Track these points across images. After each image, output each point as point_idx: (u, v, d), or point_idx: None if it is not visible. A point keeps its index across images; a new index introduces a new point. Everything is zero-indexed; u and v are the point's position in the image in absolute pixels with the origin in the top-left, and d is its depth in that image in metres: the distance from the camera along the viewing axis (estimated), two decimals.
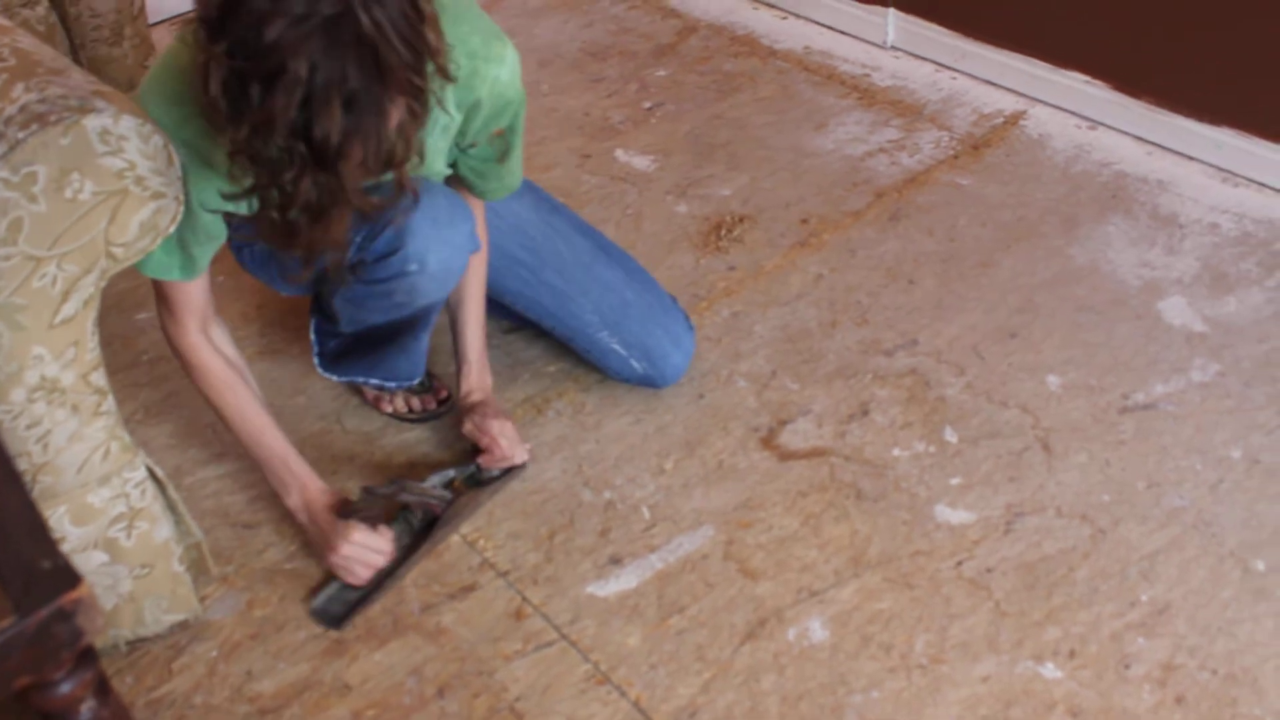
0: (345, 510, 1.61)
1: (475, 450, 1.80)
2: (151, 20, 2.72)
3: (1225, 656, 1.53)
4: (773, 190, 2.42)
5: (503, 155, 1.67)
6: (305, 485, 1.65)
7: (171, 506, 1.54)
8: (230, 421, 1.63)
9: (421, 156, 1.36)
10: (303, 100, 1.18)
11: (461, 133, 1.61)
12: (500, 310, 1.97)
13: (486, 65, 1.53)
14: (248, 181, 1.28)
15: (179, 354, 1.61)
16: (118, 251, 1.31)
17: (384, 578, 1.65)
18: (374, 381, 1.87)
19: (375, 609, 1.64)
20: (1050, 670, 1.53)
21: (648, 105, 2.72)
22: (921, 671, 1.53)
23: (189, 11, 1.25)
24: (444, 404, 1.94)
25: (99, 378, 1.39)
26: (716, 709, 1.50)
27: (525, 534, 1.74)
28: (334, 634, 1.61)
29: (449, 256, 1.62)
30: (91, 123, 1.25)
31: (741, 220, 2.34)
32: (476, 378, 1.84)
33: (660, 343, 1.92)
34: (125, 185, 1.28)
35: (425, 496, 1.68)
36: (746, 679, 1.54)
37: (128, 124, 1.27)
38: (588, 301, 1.90)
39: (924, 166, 2.46)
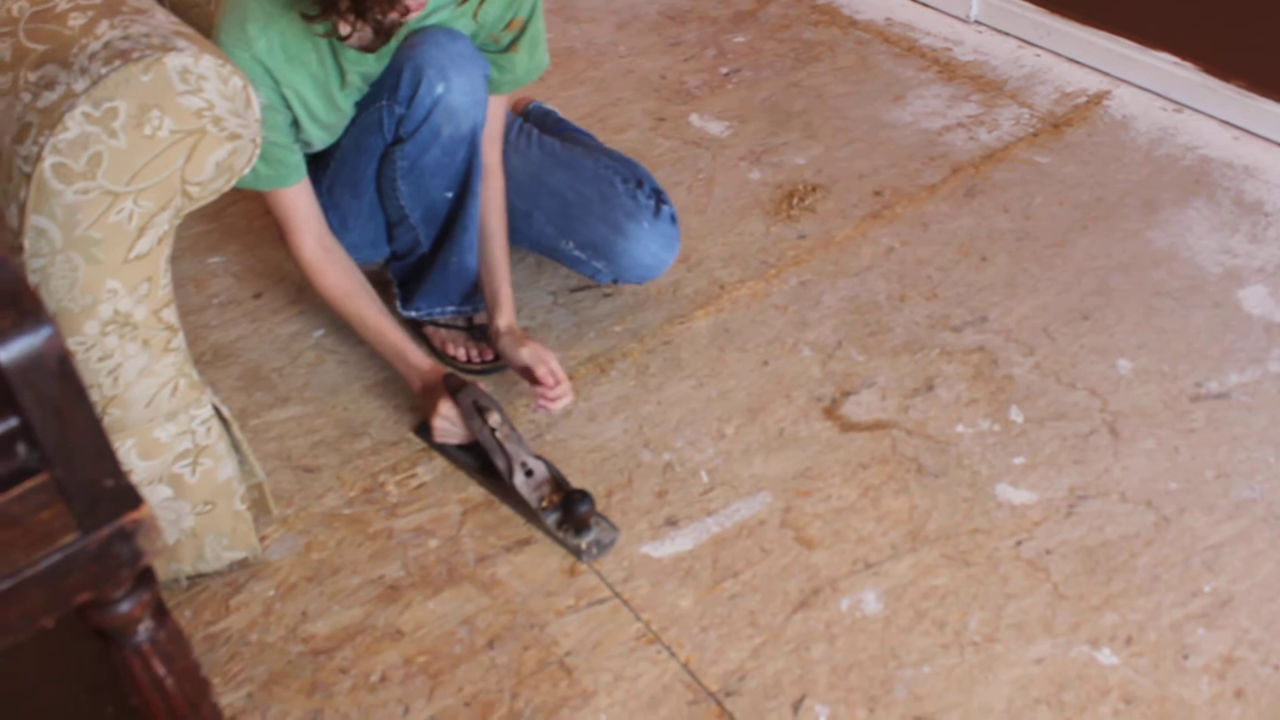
0: (451, 383, 1.75)
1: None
2: None
3: None
4: (847, 161, 2.39)
5: (519, 43, 1.78)
6: (422, 372, 1.80)
7: (236, 446, 1.56)
8: (352, 325, 1.83)
9: None
10: None
11: (481, 24, 1.74)
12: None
13: None
14: None
15: (301, 269, 1.79)
16: (193, 190, 1.33)
17: (467, 458, 1.79)
18: (450, 310, 1.92)
19: (431, 556, 1.66)
20: (1106, 656, 1.50)
21: (725, 71, 2.70)
22: (974, 649, 1.52)
23: None
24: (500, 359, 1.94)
25: (170, 314, 1.41)
26: (765, 674, 1.50)
27: None
28: (389, 579, 1.63)
29: (466, 69, 1.70)
30: (172, 61, 1.26)
31: (814, 189, 2.31)
32: (512, 313, 1.86)
33: (604, 236, 1.90)
34: (203, 125, 1.29)
35: (495, 453, 1.69)
36: (797, 647, 1.53)
37: (208, 64, 1.28)
38: (541, 214, 1.92)
39: (1002, 143, 2.42)
